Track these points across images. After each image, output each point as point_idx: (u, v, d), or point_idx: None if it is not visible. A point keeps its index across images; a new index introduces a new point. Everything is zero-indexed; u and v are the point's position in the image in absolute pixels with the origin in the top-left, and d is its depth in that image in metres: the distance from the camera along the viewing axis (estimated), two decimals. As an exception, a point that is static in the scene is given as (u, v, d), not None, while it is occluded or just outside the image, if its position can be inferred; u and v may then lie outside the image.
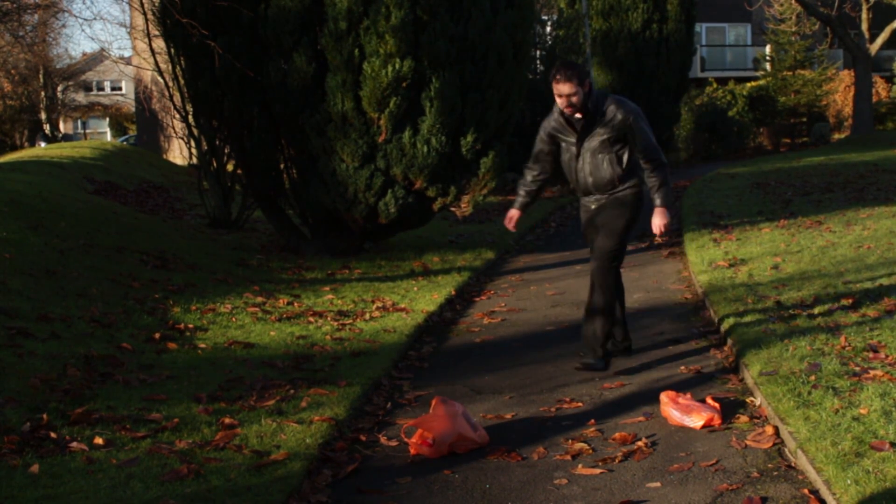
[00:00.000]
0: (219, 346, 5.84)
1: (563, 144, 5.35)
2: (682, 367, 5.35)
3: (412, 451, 4.14)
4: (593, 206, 5.38)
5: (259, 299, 7.24)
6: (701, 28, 33.11)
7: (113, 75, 42.94)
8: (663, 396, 4.53)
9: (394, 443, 4.35)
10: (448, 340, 6.43)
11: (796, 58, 29.85)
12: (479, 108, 9.12)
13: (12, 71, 34.09)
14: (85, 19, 37.56)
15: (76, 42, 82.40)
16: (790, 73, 29.83)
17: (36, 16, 27.19)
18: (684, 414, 4.36)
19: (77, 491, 3.49)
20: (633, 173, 5.29)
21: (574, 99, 5.07)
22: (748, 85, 30.11)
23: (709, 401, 4.49)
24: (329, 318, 6.73)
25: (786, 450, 3.93)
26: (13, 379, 4.57)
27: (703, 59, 34.88)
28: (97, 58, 45.20)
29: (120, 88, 48.55)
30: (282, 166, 9.70)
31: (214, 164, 11.01)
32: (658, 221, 5.24)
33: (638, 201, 5.32)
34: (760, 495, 3.51)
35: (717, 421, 4.31)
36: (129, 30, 23.60)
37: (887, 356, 4.84)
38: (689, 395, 4.55)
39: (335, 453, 4.15)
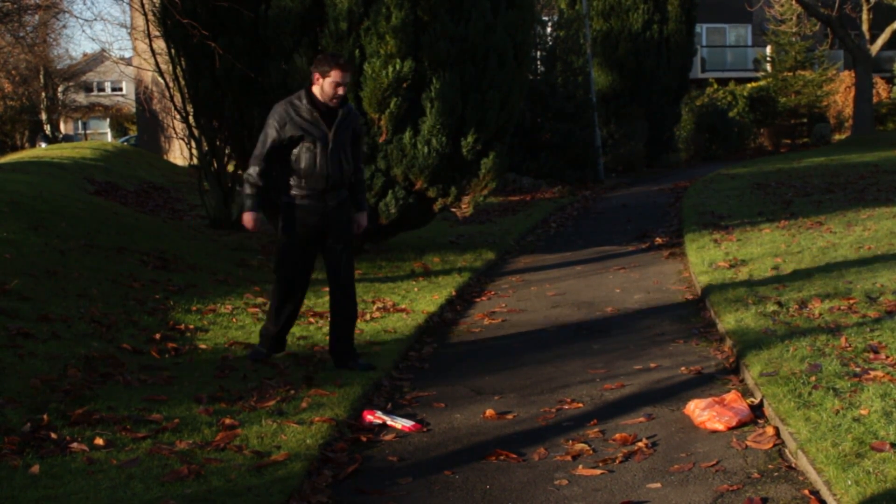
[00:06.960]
0: (219, 347, 5.84)
1: (304, 136, 5.17)
2: (683, 368, 5.35)
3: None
4: (332, 205, 5.34)
5: (260, 300, 7.24)
6: (701, 29, 33.08)
7: (113, 76, 42.90)
8: (691, 404, 4.50)
9: (391, 436, 4.35)
10: (448, 341, 6.43)
11: (797, 58, 29.85)
12: (479, 109, 9.11)
13: (13, 71, 34.07)
14: (85, 20, 37.68)
15: (77, 43, 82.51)
16: (791, 73, 29.82)
17: (36, 16, 27.16)
18: (718, 417, 4.33)
19: (77, 491, 3.49)
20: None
21: (344, 90, 5.22)
22: (749, 86, 30.10)
23: (736, 400, 4.46)
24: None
25: (786, 450, 3.94)
26: (14, 379, 4.57)
27: (704, 59, 34.87)
28: (98, 58, 45.13)
29: (120, 89, 48.50)
30: (282, 167, 9.67)
31: (215, 165, 11.00)
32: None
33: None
34: (761, 496, 3.51)
35: (747, 418, 4.30)
36: (129, 30, 23.56)
37: (888, 357, 4.84)
38: (723, 399, 4.50)
39: (336, 454, 4.16)
